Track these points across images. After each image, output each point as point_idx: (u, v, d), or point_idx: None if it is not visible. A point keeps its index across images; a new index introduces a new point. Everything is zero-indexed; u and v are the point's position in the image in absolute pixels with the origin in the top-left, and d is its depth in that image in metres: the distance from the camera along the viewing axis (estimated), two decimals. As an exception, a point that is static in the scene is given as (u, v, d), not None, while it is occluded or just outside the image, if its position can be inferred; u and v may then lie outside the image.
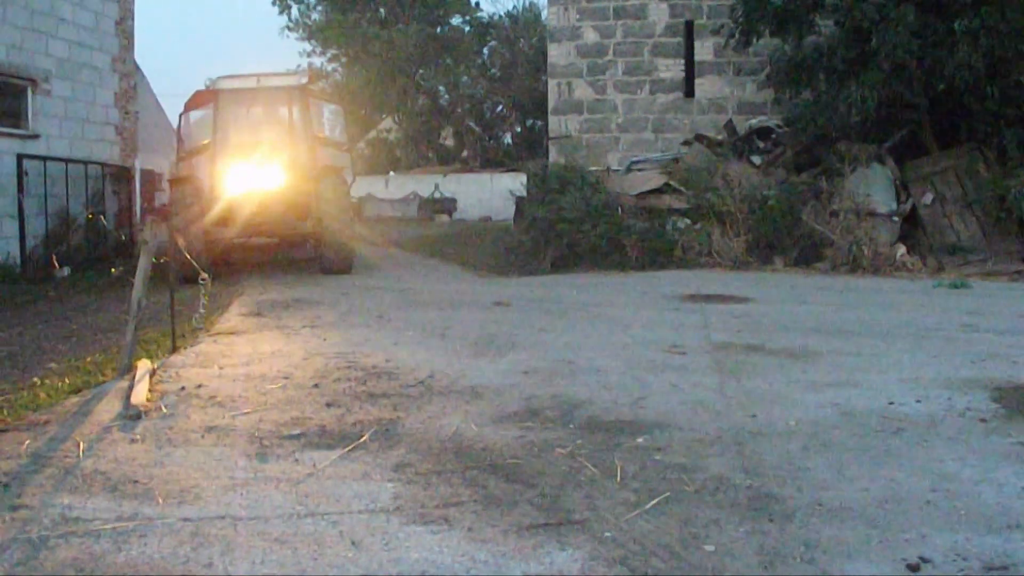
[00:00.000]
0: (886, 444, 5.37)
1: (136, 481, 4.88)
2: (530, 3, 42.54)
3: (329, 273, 15.83)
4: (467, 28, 45.16)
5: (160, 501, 4.57)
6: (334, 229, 15.89)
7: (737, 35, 18.64)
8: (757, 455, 5.19)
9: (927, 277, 13.82)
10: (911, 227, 15.84)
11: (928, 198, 15.82)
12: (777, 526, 4.14)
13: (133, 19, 21.80)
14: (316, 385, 7.08)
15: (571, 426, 5.84)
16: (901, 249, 15.20)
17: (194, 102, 17.50)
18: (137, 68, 22.94)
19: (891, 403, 6.25)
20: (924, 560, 3.75)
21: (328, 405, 6.48)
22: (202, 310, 9.50)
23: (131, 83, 21.76)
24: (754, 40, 18.57)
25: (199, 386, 7.12)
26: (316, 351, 8.49)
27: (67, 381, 7.37)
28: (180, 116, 17.65)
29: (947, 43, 15.15)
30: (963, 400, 6.28)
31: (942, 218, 15.75)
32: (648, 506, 4.40)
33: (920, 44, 15.26)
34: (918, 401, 6.29)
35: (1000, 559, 3.77)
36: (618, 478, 4.81)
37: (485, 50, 45.43)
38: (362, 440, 5.61)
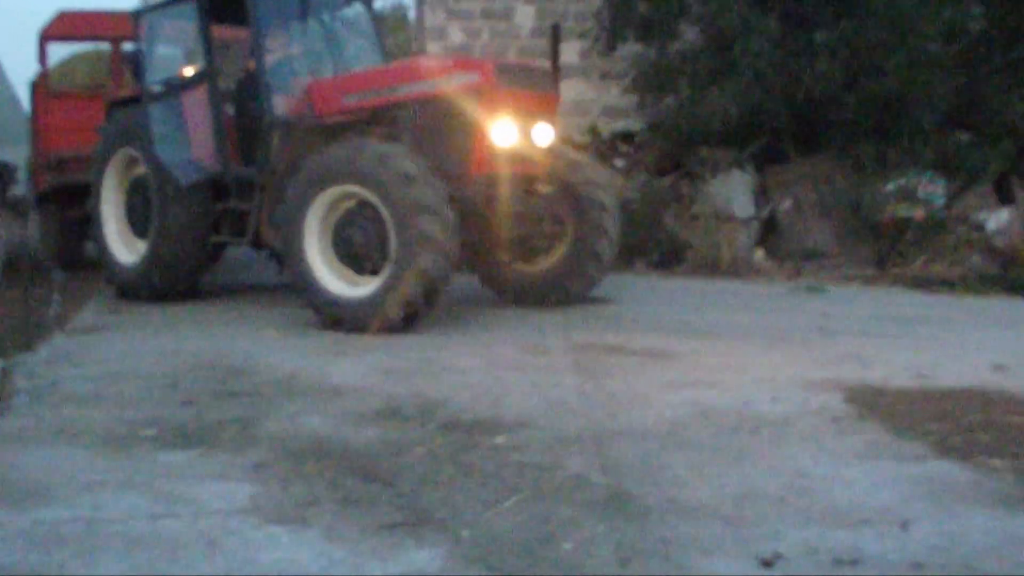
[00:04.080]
0: (742, 443, 5.45)
1: (-17, 483, 4.67)
2: (398, 2, 42.32)
3: (567, 298, 10.75)
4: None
5: (11, 504, 4.39)
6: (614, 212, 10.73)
7: (603, 39, 18.78)
8: (615, 454, 5.20)
9: (785, 280, 14.12)
10: (770, 232, 16.17)
11: (787, 204, 16.16)
12: (634, 524, 4.15)
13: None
14: (173, 384, 6.89)
15: (430, 425, 5.78)
16: (760, 253, 15.52)
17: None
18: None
19: (747, 403, 6.34)
20: (778, 555, 3.80)
21: (186, 403, 6.32)
22: (56, 306, 9.20)
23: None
24: (619, 45, 18.73)
25: (53, 384, 6.87)
26: (175, 349, 8.28)
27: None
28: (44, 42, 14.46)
29: (808, 54, 15.52)
30: (817, 400, 6.42)
31: (800, 224, 16.11)
32: (506, 505, 4.37)
33: (781, 54, 15.60)
34: (774, 401, 6.40)
35: (850, 553, 3.84)
36: (477, 477, 4.78)
37: (352, 48, 45.10)
38: (220, 439, 5.48)
